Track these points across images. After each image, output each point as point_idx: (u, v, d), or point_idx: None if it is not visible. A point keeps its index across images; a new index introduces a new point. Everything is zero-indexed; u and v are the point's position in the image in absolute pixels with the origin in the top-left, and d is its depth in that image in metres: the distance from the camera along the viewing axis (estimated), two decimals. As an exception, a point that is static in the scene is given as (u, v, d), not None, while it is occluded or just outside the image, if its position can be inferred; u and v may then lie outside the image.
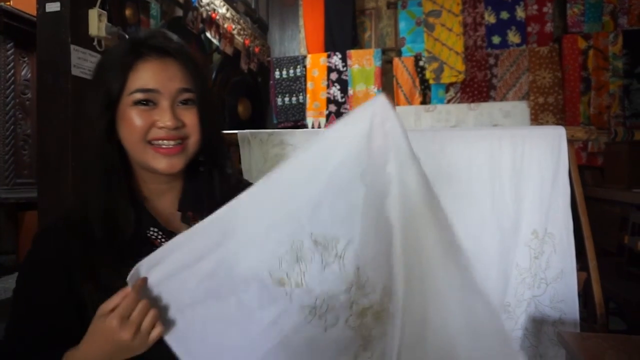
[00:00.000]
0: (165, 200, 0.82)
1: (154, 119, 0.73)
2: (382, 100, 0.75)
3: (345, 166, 0.77)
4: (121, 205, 0.73)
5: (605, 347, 1.00)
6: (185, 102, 0.76)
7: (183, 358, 0.67)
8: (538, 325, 1.33)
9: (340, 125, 0.77)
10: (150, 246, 0.74)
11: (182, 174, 0.82)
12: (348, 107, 4.04)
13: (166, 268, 0.67)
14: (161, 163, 0.74)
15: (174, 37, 0.82)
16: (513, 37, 3.85)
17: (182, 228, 0.79)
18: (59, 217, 0.77)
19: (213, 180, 0.83)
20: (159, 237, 0.77)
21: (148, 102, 0.73)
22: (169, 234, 0.77)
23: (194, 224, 0.75)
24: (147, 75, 0.73)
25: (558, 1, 3.86)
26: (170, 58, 0.75)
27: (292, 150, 1.49)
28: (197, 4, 2.87)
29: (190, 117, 0.76)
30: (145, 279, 0.65)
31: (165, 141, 0.74)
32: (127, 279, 0.65)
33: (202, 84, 0.78)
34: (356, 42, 4.24)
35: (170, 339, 0.67)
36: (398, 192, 0.76)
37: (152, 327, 0.64)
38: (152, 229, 0.77)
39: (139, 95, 0.72)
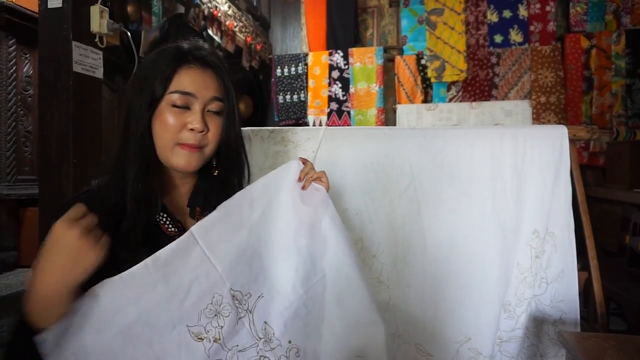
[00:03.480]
0: (176, 194, 0.89)
1: (186, 120, 0.81)
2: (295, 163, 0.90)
3: (273, 224, 0.85)
4: (154, 191, 0.81)
5: (606, 346, 1.00)
6: (215, 112, 0.84)
7: None
8: (539, 325, 1.33)
9: (264, 183, 0.87)
10: (158, 230, 0.81)
11: (195, 174, 0.89)
12: (349, 105, 4.03)
13: (85, 319, 0.65)
14: (181, 160, 0.81)
15: (220, 54, 0.91)
16: (515, 36, 3.84)
17: (189, 222, 0.86)
18: (78, 195, 0.82)
19: (224, 184, 0.90)
20: (167, 222, 0.83)
21: (183, 105, 0.81)
22: (176, 222, 0.84)
23: (200, 219, 0.81)
24: (187, 80, 0.81)
25: (561, 0, 3.85)
26: (210, 69, 0.84)
27: (293, 148, 1.48)
28: (199, 1, 2.87)
29: (214, 125, 0.84)
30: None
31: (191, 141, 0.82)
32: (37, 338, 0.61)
33: (232, 99, 0.87)
34: (358, 40, 4.23)
35: None
36: (333, 253, 0.89)
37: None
38: (161, 214, 0.83)
39: (176, 97, 0.80)
